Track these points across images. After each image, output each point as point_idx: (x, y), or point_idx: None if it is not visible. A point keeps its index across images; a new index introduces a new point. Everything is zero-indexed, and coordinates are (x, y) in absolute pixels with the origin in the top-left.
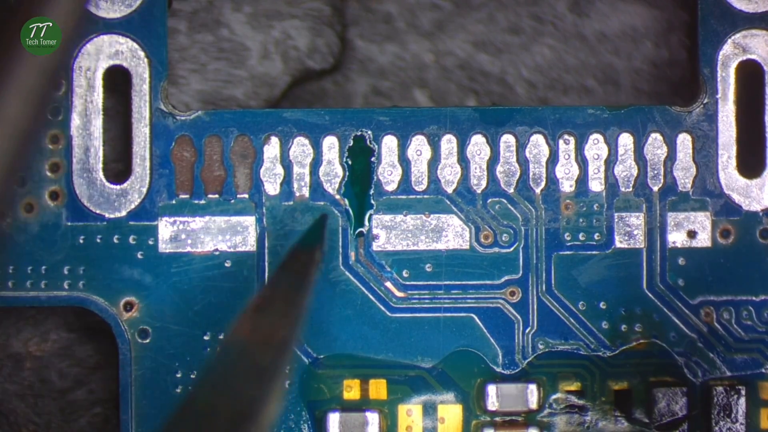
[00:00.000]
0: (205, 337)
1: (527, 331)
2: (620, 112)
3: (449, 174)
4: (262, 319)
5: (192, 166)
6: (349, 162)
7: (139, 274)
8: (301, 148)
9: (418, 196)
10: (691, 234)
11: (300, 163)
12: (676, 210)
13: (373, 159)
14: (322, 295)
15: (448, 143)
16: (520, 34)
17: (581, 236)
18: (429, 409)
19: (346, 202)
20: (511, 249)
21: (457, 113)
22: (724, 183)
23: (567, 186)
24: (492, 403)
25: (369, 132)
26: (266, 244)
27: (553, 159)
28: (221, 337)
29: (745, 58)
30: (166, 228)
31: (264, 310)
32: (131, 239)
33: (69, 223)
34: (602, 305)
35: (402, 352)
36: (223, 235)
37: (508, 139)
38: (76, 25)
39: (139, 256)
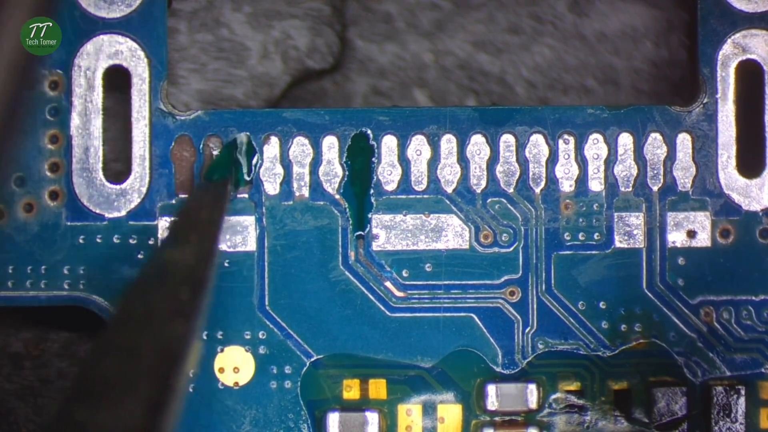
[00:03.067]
0: (204, 337)
1: (527, 330)
2: (620, 112)
3: (449, 174)
4: (177, 254)
5: (192, 166)
6: (349, 162)
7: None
8: (300, 147)
9: (417, 196)
10: (691, 234)
11: (300, 163)
12: (675, 210)
13: (373, 159)
14: (322, 295)
15: (448, 143)
16: (519, 34)
17: (581, 236)
18: (429, 409)
19: (346, 202)
20: (511, 249)
21: (457, 113)
22: (723, 183)
23: (567, 186)
24: (492, 403)
25: (369, 131)
26: (266, 244)
27: (552, 159)
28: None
29: (744, 57)
30: (166, 228)
31: (178, 244)
32: (131, 239)
33: (69, 223)
34: (602, 305)
35: (402, 351)
36: (223, 234)
37: (507, 139)
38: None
39: (139, 256)
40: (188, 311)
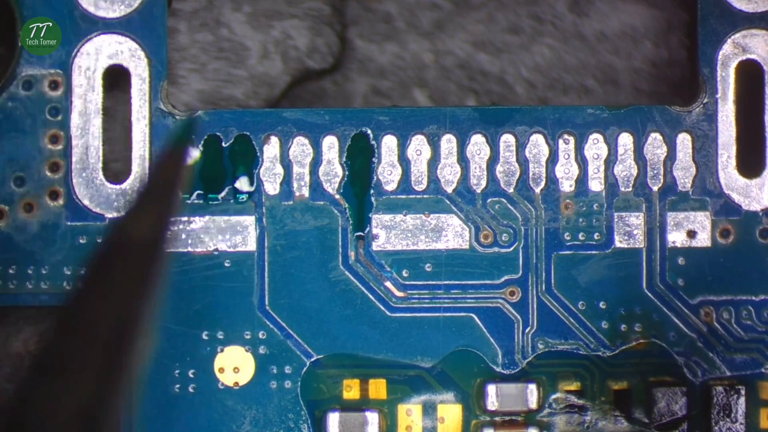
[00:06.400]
0: (205, 337)
1: (527, 330)
2: (620, 112)
3: (449, 174)
4: (135, 224)
5: (192, 166)
6: (349, 162)
7: None
8: (300, 147)
9: (417, 196)
10: (691, 234)
11: (300, 163)
12: (675, 210)
13: (373, 159)
14: (322, 295)
15: (448, 143)
16: (519, 33)
17: (581, 236)
18: (429, 409)
19: (346, 202)
20: (511, 249)
21: (457, 113)
22: (723, 183)
23: (567, 186)
24: (492, 403)
25: (369, 131)
26: (266, 244)
27: (552, 159)
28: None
29: (744, 57)
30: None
31: (138, 215)
32: None
33: (69, 223)
34: (602, 305)
35: (402, 351)
36: (223, 234)
37: (507, 139)
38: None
39: None
40: (146, 286)
